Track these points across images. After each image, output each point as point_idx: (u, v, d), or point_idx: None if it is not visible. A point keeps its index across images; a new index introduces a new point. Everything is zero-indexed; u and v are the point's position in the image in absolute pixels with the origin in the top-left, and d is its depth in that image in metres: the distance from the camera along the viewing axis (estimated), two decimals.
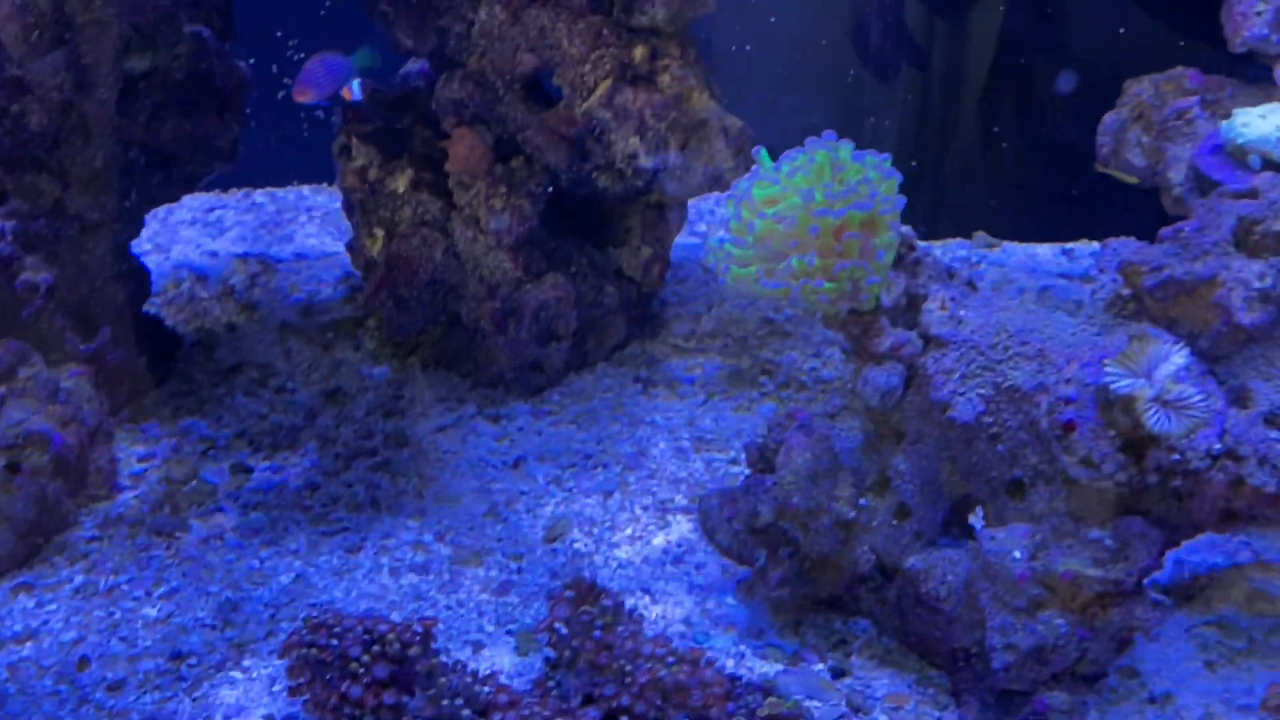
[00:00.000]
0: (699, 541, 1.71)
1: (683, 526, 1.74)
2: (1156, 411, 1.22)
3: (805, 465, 1.50)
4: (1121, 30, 2.37)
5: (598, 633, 1.17)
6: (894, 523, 1.47)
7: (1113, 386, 1.23)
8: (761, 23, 3.02)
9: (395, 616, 1.32)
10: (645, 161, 2.05)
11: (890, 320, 1.44)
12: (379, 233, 2.17)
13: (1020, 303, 1.43)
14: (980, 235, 2.65)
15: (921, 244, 1.46)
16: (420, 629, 1.12)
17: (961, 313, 1.43)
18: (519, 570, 1.66)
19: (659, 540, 1.72)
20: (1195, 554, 1.64)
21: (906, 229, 1.46)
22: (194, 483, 1.86)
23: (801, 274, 1.26)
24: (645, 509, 1.79)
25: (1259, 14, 1.49)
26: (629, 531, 1.73)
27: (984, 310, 1.42)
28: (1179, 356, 1.20)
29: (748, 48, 3.06)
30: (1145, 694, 1.40)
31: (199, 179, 2.21)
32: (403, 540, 1.73)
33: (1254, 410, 1.26)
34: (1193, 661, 1.45)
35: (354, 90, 2.17)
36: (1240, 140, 1.44)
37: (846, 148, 1.33)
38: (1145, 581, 1.54)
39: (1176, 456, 1.25)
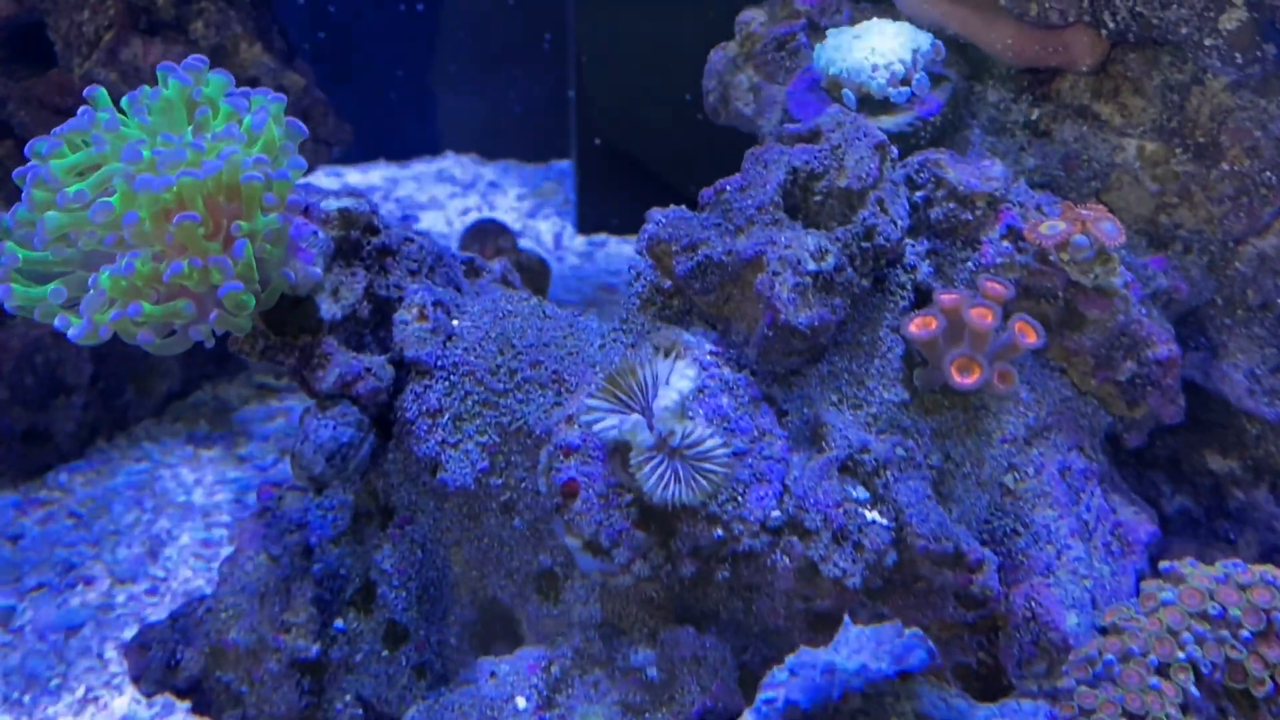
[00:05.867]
0: None
1: None
2: (660, 465, 0.78)
3: (254, 577, 1.01)
4: None
5: None
6: (384, 654, 1.00)
7: (595, 429, 0.79)
8: None
9: None
10: None
11: (344, 340, 0.97)
12: None
13: (538, 303, 0.98)
14: None
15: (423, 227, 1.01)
16: None
17: (454, 323, 0.97)
18: None
19: (120, 702, 1.20)
20: (855, 656, 1.22)
21: (361, 203, 0.99)
22: None
23: (117, 297, 0.77)
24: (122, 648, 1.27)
25: None
26: (80, 693, 1.21)
27: (484, 317, 0.97)
28: (681, 378, 0.76)
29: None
30: None
31: None
32: None
33: (826, 455, 0.84)
34: None
35: None
36: (833, 70, 1.03)
37: (218, 81, 0.86)
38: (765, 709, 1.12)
39: (719, 532, 0.82)
